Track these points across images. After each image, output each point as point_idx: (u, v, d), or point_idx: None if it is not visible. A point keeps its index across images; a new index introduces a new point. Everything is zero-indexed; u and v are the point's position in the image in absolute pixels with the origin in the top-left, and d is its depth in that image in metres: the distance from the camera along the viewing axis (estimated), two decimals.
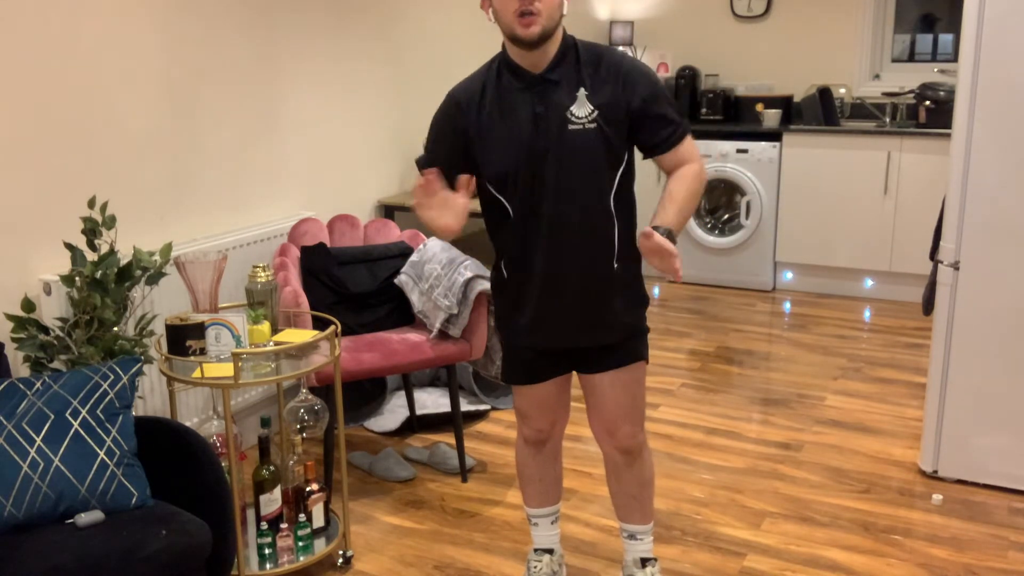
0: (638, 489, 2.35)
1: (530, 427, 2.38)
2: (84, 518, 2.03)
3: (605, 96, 2.03)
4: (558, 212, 2.06)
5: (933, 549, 2.72)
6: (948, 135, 3.79)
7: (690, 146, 2.12)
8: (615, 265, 2.14)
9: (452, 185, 2.06)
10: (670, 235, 1.99)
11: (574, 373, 2.32)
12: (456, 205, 1.98)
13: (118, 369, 2.23)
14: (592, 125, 2.02)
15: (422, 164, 2.16)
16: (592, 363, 2.22)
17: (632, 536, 2.41)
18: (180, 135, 3.16)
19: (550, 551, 2.52)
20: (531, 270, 2.13)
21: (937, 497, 3.01)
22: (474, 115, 2.08)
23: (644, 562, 2.41)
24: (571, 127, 2.02)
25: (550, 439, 2.41)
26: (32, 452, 2.04)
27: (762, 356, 4.42)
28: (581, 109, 2.02)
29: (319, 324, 2.91)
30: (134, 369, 2.25)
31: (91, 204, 2.55)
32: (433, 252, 3.27)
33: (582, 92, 2.02)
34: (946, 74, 5.25)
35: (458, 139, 2.10)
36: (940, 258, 3.04)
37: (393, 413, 3.69)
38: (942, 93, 5.01)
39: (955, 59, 5.37)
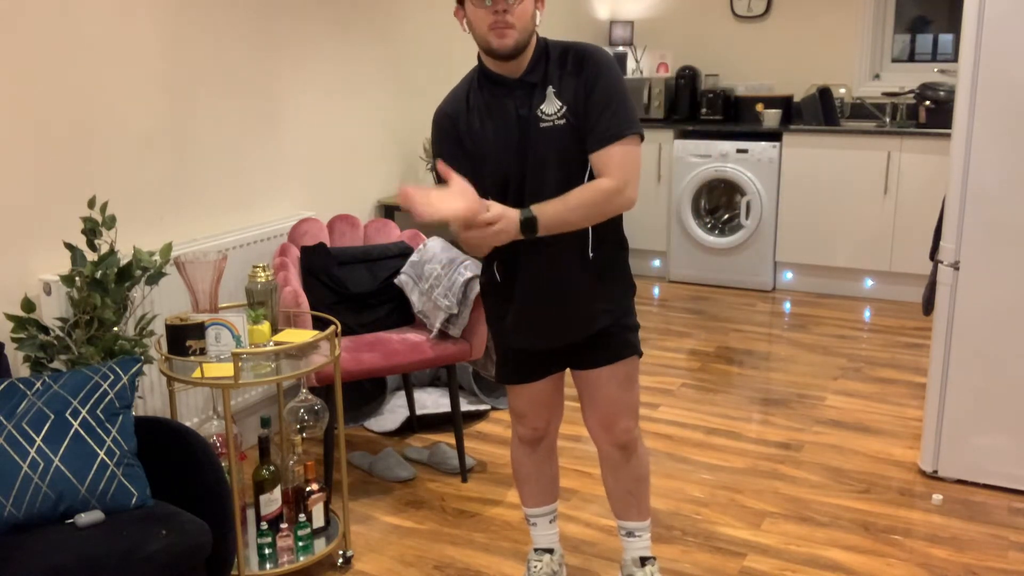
0: (634, 485, 2.36)
1: (525, 426, 2.38)
2: (84, 518, 2.03)
3: (571, 91, 2.03)
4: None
5: (933, 549, 2.72)
6: (948, 135, 3.79)
7: (619, 155, 1.99)
8: (591, 254, 2.13)
9: (481, 193, 2.06)
10: (530, 223, 1.93)
11: (567, 370, 2.33)
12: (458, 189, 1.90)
13: (118, 369, 2.23)
14: (561, 121, 2.03)
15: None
16: (586, 359, 2.23)
17: (630, 534, 2.41)
18: (180, 135, 3.16)
19: (550, 551, 2.52)
20: (516, 270, 2.15)
21: (937, 497, 3.01)
22: (464, 127, 2.10)
23: (643, 561, 2.41)
24: (542, 124, 2.03)
25: (545, 437, 2.42)
26: (32, 452, 2.04)
27: (762, 356, 4.42)
28: (550, 106, 2.03)
29: (319, 324, 2.91)
30: (134, 369, 2.25)
31: (91, 204, 2.55)
32: (433, 252, 3.27)
33: (550, 90, 2.04)
34: (946, 74, 5.25)
35: (460, 148, 2.11)
36: (940, 258, 3.04)
37: (393, 413, 3.69)
38: (942, 93, 5.01)
39: (955, 59, 5.37)
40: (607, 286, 2.18)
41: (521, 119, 2.05)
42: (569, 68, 2.04)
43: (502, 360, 2.34)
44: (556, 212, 1.97)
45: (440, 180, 2.16)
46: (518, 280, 2.15)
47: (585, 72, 2.03)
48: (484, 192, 2.10)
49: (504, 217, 1.92)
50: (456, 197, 1.87)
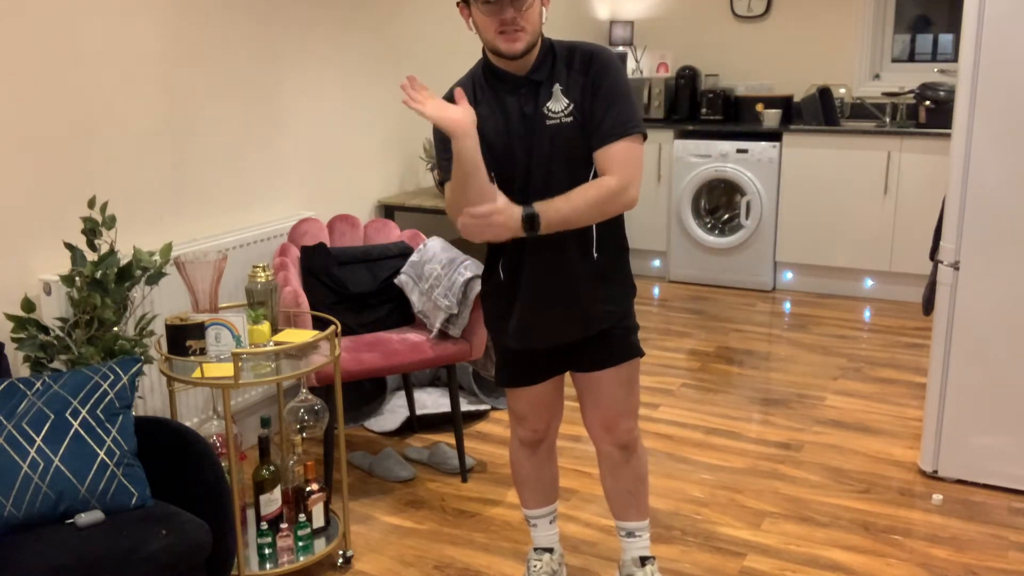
0: (634, 484, 2.36)
1: (526, 428, 2.37)
2: (84, 518, 2.03)
3: (578, 89, 2.03)
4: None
5: (933, 549, 2.72)
6: (948, 135, 3.79)
7: (623, 151, 2.00)
8: (595, 255, 2.13)
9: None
10: (532, 219, 1.93)
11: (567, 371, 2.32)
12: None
13: (118, 369, 2.23)
14: (568, 119, 2.03)
15: (444, 180, 2.11)
16: (587, 361, 2.22)
17: (630, 534, 2.41)
18: (180, 136, 3.16)
19: (550, 550, 2.52)
20: (521, 269, 2.14)
21: (937, 497, 3.01)
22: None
23: (643, 561, 2.41)
24: (549, 122, 2.03)
25: (545, 439, 2.41)
26: (32, 452, 2.04)
27: (762, 356, 4.42)
28: (557, 104, 2.03)
29: (319, 324, 2.91)
30: (134, 369, 2.25)
31: (91, 204, 2.55)
32: (433, 252, 3.27)
33: (557, 88, 2.04)
34: (946, 74, 5.25)
35: None
36: (940, 258, 3.04)
37: (393, 413, 3.70)
38: (942, 93, 5.01)
39: (955, 59, 5.37)
40: (609, 287, 2.18)
41: (525, 117, 2.04)
42: (576, 67, 2.04)
43: (502, 362, 2.33)
44: (559, 210, 1.96)
45: (443, 183, 2.15)
46: (522, 279, 2.14)
47: (592, 71, 2.03)
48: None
49: (506, 211, 1.92)
50: (453, 110, 1.90)
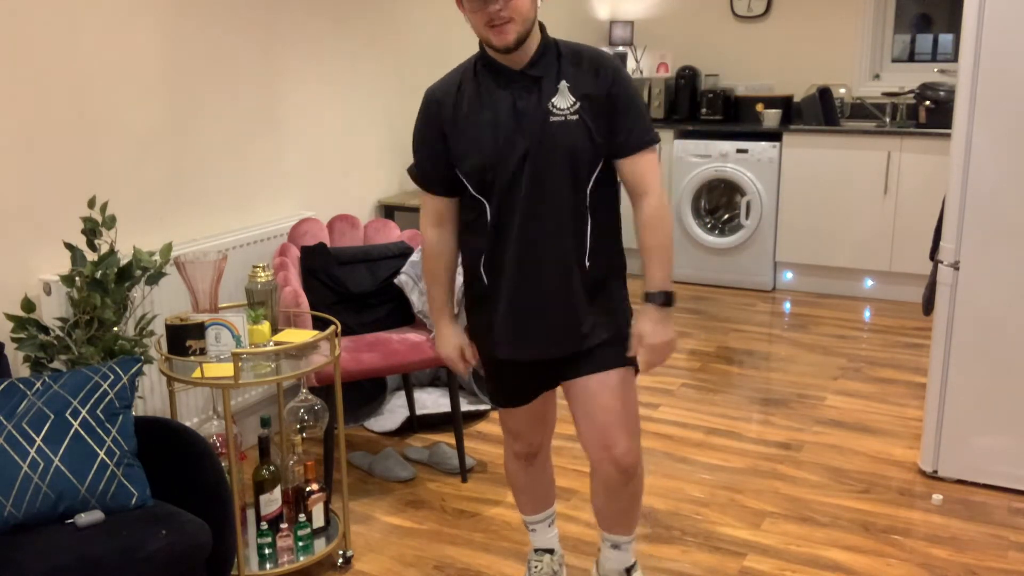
0: (630, 503, 2.26)
1: (521, 443, 2.33)
2: (84, 518, 2.03)
3: (587, 87, 1.99)
4: (532, 207, 2.01)
5: (933, 549, 2.72)
6: (948, 135, 3.79)
7: (652, 163, 2.05)
8: (586, 264, 2.07)
9: (448, 186, 2.08)
10: (668, 298, 2.08)
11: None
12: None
13: (118, 369, 2.23)
14: (575, 117, 1.99)
15: (414, 172, 2.13)
16: (576, 367, 2.12)
17: (616, 546, 2.33)
18: (180, 135, 3.16)
19: (550, 551, 2.52)
20: (503, 272, 2.06)
21: (937, 497, 3.01)
22: (450, 111, 2.04)
23: (629, 571, 2.37)
24: (553, 119, 1.98)
25: (540, 452, 2.38)
26: (32, 452, 2.04)
27: (762, 356, 4.42)
28: (563, 100, 1.99)
29: (319, 324, 2.91)
30: (134, 369, 2.25)
31: (91, 204, 2.55)
32: None
33: (564, 84, 1.99)
34: (946, 74, 5.25)
35: (439, 137, 2.07)
36: (940, 258, 3.04)
37: (393, 413, 3.70)
38: (942, 93, 5.01)
39: (955, 59, 5.37)
40: (602, 304, 2.11)
41: (518, 112, 1.99)
42: (584, 67, 2.00)
43: (495, 382, 2.25)
44: (662, 268, 2.10)
45: (415, 174, 2.16)
46: (506, 279, 2.07)
47: (603, 75, 2.00)
48: (463, 184, 2.07)
49: (660, 320, 2.08)
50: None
